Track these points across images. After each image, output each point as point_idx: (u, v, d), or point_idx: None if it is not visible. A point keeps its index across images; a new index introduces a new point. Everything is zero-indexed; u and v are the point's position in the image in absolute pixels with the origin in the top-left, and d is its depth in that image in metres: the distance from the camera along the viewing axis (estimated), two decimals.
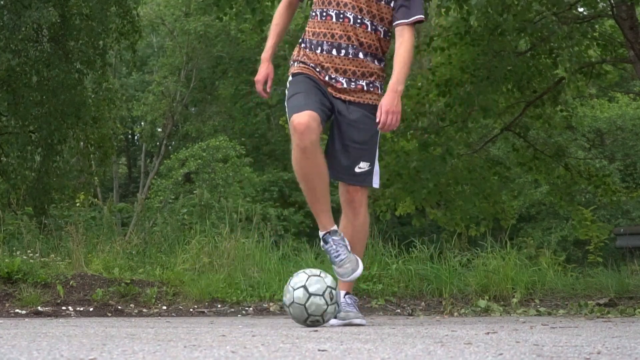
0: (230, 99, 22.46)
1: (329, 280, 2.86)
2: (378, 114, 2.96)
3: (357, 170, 3.07)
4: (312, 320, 2.80)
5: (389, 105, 2.94)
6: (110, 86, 12.87)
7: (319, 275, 2.85)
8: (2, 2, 10.37)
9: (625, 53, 8.23)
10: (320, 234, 2.98)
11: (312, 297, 2.78)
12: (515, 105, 9.03)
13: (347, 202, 3.12)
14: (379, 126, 2.96)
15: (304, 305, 2.79)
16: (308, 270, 2.91)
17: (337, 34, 3.01)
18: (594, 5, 8.33)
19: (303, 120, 2.86)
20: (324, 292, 2.80)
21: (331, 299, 2.81)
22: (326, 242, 2.94)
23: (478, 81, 8.04)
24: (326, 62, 3.03)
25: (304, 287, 2.81)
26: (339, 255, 2.91)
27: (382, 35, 3.09)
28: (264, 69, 3.21)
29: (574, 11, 8.59)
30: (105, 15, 10.97)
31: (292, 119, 2.89)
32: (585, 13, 9.24)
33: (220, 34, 20.94)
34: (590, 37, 8.31)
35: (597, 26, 8.48)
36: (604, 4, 8.47)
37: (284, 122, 12.71)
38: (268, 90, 3.21)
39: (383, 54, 3.15)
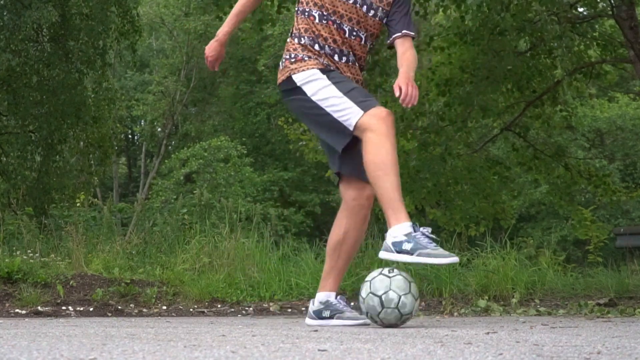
0: (230, 99, 22.46)
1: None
2: (397, 88, 2.85)
3: None
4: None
5: (407, 79, 2.87)
6: (110, 86, 12.88)
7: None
8: (2, 2, 10.37)
9: (625, 53, 8.23)
10: (408, 224, 2.75)
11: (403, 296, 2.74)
12: (515, 105, 9.03)
13: (361, 206, 3.09)
14: (403, 98, 2.83)
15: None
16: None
17: (338, 40, 3.04)
18: (594, 5, 8.34)
19: (391, 112, 2.86)
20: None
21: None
22: (415, 230, 2.75)
23: (478, 81, 8.03)
24: (332, 65, 3.04)
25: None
26: (432, 242, 2.73)
27: (368, 49, 3.15)
28: (220, 52, 3.21)
29: (574, 11, 8.59)
30: (105, 15, 10.98)
31: (380, 110, 2.83)
32: (585, 13, 9.25)
33: None
34: (590, 37, 8.31)
35: (597, 26, 8.48)
36: (604, 4, 8.47)
37: (283, 122, 12.70)
38: (216, 69, 3.30)
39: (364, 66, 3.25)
